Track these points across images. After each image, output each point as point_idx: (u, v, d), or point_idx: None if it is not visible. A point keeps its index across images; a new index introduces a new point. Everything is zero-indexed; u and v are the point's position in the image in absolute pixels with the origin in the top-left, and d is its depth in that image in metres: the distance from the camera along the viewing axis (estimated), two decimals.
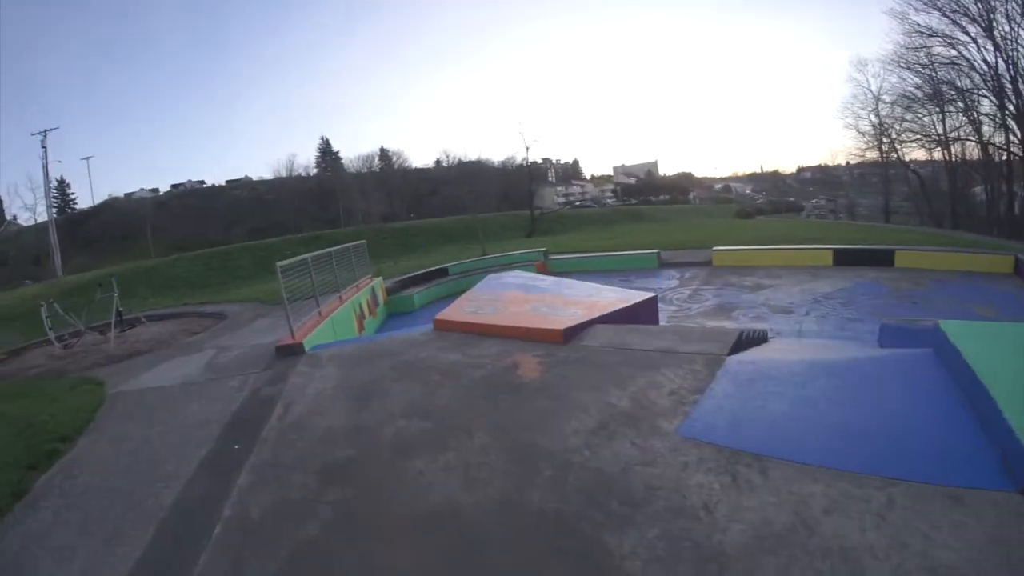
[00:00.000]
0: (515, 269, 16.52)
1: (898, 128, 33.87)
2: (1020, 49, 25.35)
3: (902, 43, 30.80)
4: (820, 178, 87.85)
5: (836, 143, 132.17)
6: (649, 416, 4.01)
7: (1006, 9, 25.25)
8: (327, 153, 64.52)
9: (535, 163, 45.76)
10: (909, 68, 31.27)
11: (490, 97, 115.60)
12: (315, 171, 62.69)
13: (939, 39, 28.70)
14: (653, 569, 2.53)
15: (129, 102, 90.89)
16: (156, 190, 64.03)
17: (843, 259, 15.28)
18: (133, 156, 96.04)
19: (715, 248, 17.03)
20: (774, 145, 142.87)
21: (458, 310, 7.97)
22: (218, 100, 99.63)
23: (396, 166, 64.18)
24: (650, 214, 52.61)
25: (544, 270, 17.11)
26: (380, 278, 15.06)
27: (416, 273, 18.00)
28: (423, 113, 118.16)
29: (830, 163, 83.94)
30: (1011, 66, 25.95)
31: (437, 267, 18.44)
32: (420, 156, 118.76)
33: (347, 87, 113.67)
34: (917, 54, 30.36)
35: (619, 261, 17.81)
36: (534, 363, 5.41)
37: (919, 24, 29.31)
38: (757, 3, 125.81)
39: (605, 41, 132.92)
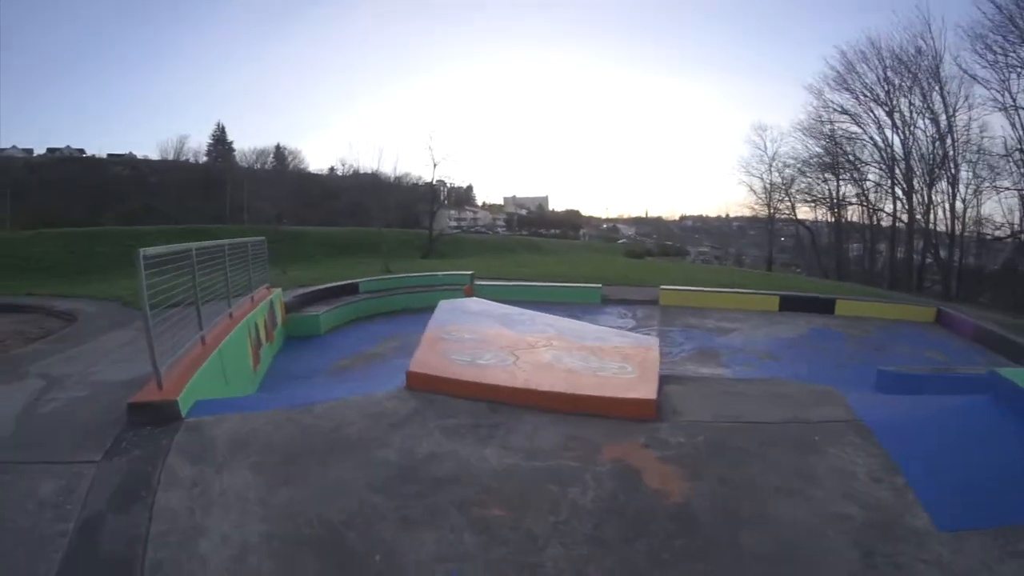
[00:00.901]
0: (441, 293, 14.49)
1: (790, 189, 38.75)
2: (916, 133, 30.73)
3: (812, 115, 36.15)
4: (701, 226, 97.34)
5: (723, 195, 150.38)
6: (891, 517, 3.13)
7: (909, 99, 30.71)
8: (220, 141, 58.84)
9: (436, 182, 45.30)
10: (815, 136, 36.44)
11: (392, 112, 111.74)
12: (205, 159, 57.31)
13: (847, 116, 34.10)
14: None
15: (18, 42, 74.14)
16: (30, 151, 55.46)
17: (789, 305, 15.58)
18: (13, 106, 77.44)
19: (662, 287, 16.36)
20: (659, 192, 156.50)
21: (440, 356, 5.53)
22: (115, 59, 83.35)
23: (291, 166, 60.55)
24: (546, 246, 54.44)
25: (470, 294, 15.07)
26: (280, 290, 11.77)
27: (319, 287, 14.79)
28: (324, 117, 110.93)
29: (711, 214, 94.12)
30: (905, 146, 31.25)
31: (345, 282, 15.33)
32: (316, 160, 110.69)
33: (251, 72, 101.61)
34: (823, 126, 35.58)
35: (558, 293, 16.31)
36: (654, 460, 3.32)
37: (831, 101, 34.71)
38: (652, 60, 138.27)
39: (508, 73, 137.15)
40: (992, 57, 25.98)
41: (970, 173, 28.56)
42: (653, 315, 14.70)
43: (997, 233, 28.33)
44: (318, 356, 10.30)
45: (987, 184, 28.19)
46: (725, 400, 4.46)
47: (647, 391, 4.43)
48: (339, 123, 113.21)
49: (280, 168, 58.26)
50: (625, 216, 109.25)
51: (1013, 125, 25.77)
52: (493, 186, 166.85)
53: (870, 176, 34.18)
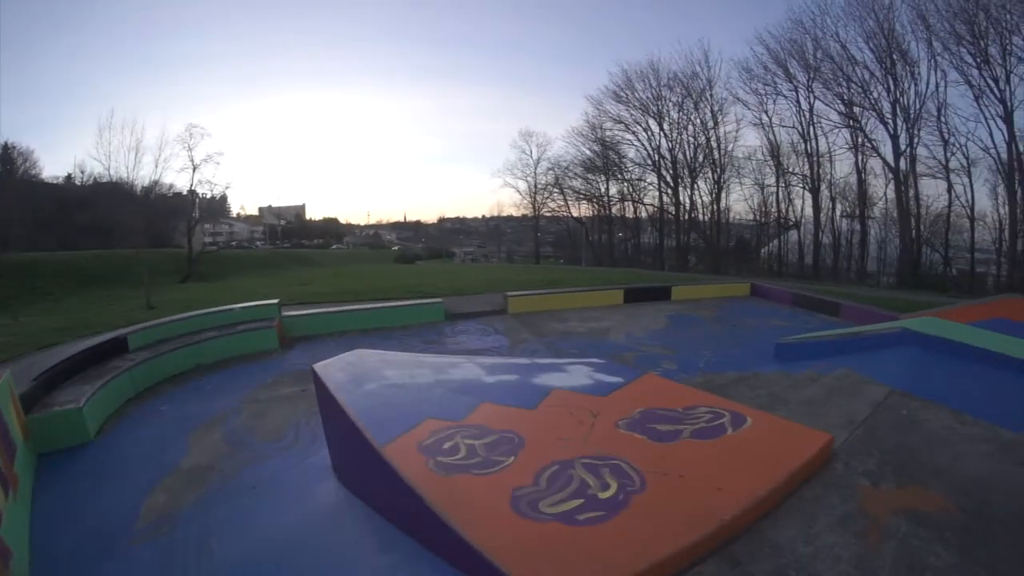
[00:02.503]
0: (242, 336, 10.76)
1: (563, 189, 43.92)
2: (684, 139, 38.88)
3: (590, 122, 42.18)
4: (460, 227, 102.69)
5: (482, 197, 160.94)
6: (1000, 441, 4.30)
7: (680, 112, 38.73)
8: None
9: (190, 192, 36.68)
10: (590, 141, 42.53)
11: (141, 107, 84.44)
12: None
13: (622, 124, 40.92)
14: None
15: None
16: None
17: (632, 297, 16.58)
18: None
19: (509, 295, 15.36)
20: (417, 195, 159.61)
21: (540, 532, 2.95)
22: None
23: (21, 172, 44.05)
24: (314, 258, 50.99)
25: (282, 332, 11.54)
26: (8, 375, 6.15)
27: (70, 353, 8.44)
28: (60, 109, 76.98)
29: (468, 215, 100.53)
30: (672, 151, 39.01)
31: (106, 337, 9.45)
32: (53, 165, 75.48)
33: None
34: (598, 132, 41.85)
35: (395, 316, 13.68)
36: (901, 494, 3.25)
37: (608, 111, 41.06)
38: (410, 69, 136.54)
39: (260, 74, 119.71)
40: (755, 85, 35.20)
41: (722, 172, 37.24)
42: (516, 327, 13.50)
43: (744, 218, 37.83)
44: (103, 491, 5.49)
45: (735, 180, 37.30)
46: (808, 410, 5.00)
47: (813, 433, 4.11)
48: (81, 117, 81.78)
49: (6, 175, 41.91)
50: (385, 221, 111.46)
51: (767, 136, 35.45)
52: (248, 195, 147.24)
53: (639, 175, 41.43)
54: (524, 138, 46.80)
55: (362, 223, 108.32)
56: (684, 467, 3.51)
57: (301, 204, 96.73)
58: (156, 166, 33.96)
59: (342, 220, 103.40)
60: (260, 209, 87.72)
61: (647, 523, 2.93)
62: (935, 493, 3.47)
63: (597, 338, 12.39)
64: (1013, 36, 24.29)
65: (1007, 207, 26.09)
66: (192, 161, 33.67)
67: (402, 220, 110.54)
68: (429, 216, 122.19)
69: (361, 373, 5.40)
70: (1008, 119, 25.06)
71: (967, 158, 27.34)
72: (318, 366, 5.60)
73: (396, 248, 79.47)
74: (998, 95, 25.28)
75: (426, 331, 13.00)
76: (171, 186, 40.13)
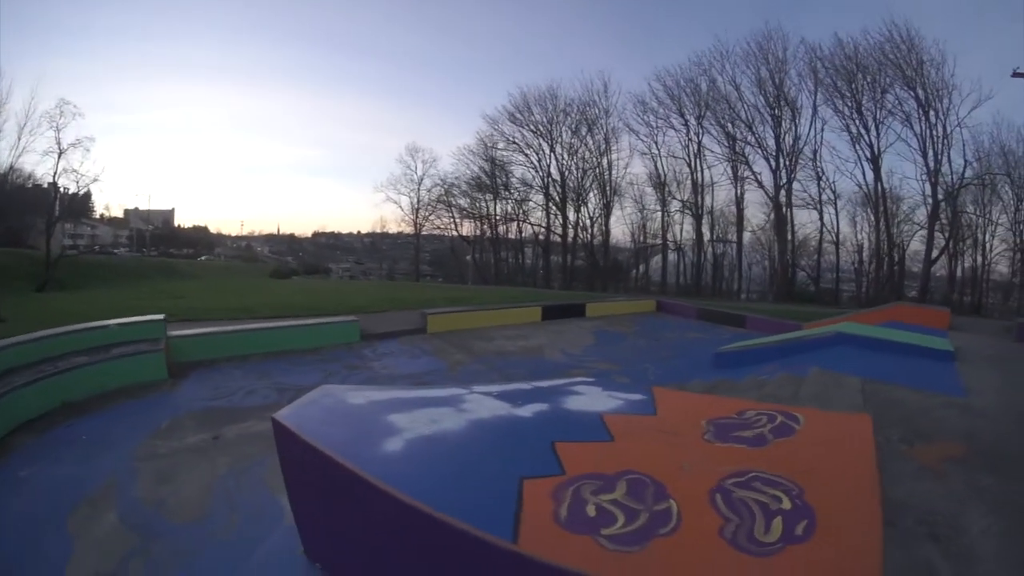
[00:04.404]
0: (119, 363, 8.07)
1: (450, 207, 43.34)
2: (575, 158, 40.17)
3: (484, 140, 41.86)
4: (335, 243, 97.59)
5: (359, 212, 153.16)
6: (958, 405, 5.19)
7: (574, 137, 40.02)
8: None
9: (51, 184, 29.84)
10: (481, 159, 42.32)
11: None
12: None
13: (516, 145, 41.35)
14: None
15: None
16: None
17: (549, 314, 16.14)
18: None
19: (428, 313, 14.00)
20: (291, 207, 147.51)
21: None
22: None
23: None
24: (184, 269, 44.86)
25: (170, 355, 9.08)
26: None
27: None
28: None
29: (343, 231, 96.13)
30: (562, 173, 40.09)
31: None
32: None
33: None
34: (490, 151, 41.90)
35: (305, 336, 11.51)
36: (935, 445, 3.86)
37: (503, 131, 41.31)
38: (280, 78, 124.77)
39: (130, 63, 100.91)
40: (647, 118, 37.77)
41: (612, 195, 39.27)
42: (444, 348, 12.18)
43: (621, 240, 40.32)
44: None
45: (616, 204, 39.41)
46: (821, 403, 5.15)
47: (856, 417, 4.39)
48: None
49: None
50: (258, 233, 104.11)
51: (654, 165, 38.12)
52: (113, 194, 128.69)
53: (526, 195, 42.08)
54: (410, 153, 45.48)
55: (234, 233, 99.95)
56: (802, 464, 3.21)
57: (170, 209, 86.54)
58: (18, 139, 27.38)
59: (212, 229, 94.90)
60: (126, 211, 75.82)
61: (843, 515, 2.66)
62: (952, 443, 4.08)
63: (534, 356, 11.52)
64: (885, 94, 29.38)
65: (873, 233, 31.46)
66: (59, 144, 27.79)
67: (276, 232, 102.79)
68: (304, 229, 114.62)
69: (359, 424, 3.74)
70: (875, 161, 30.19)
71: (835, 192, 32.51)
72: (282, 416, 3.82)
73: (266, 262, 73.71)
74: (868, 141, 30.45)
75: (344, 354, 11.12)
76: (31, 176, 33.23)
